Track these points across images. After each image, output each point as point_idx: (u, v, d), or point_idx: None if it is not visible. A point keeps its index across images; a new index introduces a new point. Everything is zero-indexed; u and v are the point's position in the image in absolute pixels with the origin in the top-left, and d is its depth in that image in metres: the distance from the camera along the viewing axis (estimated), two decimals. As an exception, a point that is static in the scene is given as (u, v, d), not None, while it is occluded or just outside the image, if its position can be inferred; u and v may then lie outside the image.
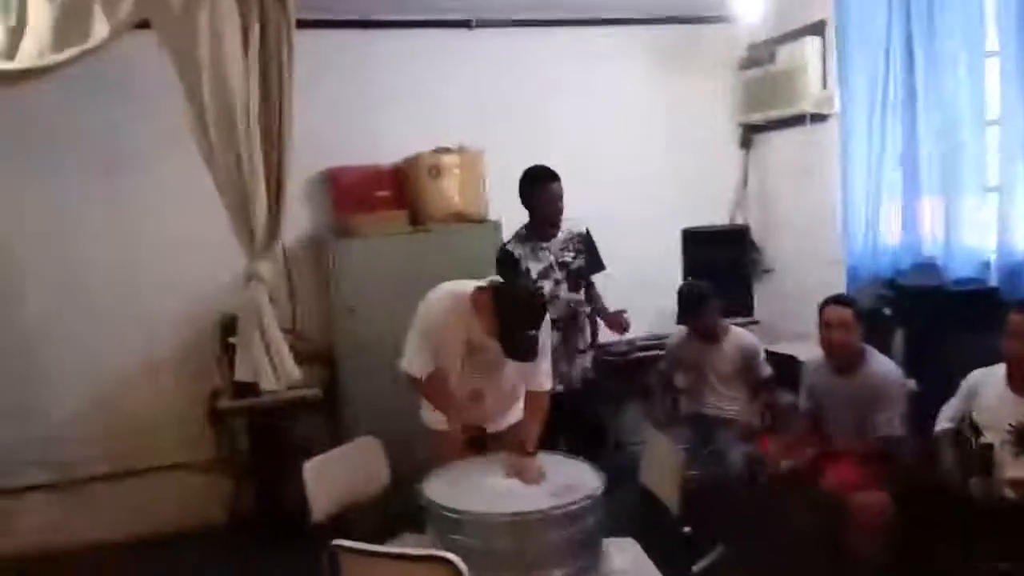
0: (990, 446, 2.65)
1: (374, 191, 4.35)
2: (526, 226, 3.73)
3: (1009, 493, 2.56)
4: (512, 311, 2.62)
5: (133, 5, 2.66)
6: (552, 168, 3.66)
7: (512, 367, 2.82)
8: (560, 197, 3.63)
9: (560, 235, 3.71)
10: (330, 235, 4.31)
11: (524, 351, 2.63)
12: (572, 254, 3.72)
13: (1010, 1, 3.28)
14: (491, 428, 2.96)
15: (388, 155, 4.43)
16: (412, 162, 4.28)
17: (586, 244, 3.78)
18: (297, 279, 4.30)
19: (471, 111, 4.60)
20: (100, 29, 2.63)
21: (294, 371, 2.95)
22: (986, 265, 3.55)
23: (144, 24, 2.81)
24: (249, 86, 2.81)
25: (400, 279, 4.01)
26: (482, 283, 2.79)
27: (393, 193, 4.36)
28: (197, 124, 2.84)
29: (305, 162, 4.00)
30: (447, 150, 4.25)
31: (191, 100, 2.83)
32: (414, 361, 2.84)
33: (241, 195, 2.86)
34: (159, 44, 2.81)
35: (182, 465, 4.18)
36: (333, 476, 2.85)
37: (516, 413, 2.98)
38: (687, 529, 2.63)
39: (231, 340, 3.76)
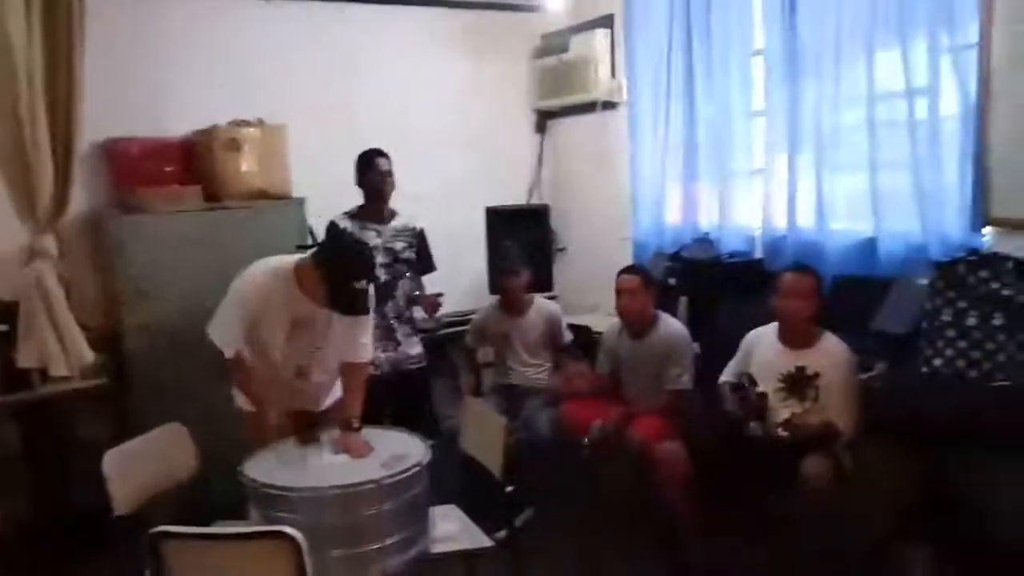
0: (764, 394, 3.02)
1: (162, 164, 4.04)
2: (359, 206, 3.75)
3: (782, 432, 2.93)
4: (340, 264, 2.57)
5: None
6: (383, 150, 3.74)
7: (335, 341, 2.77)
8: (388, 172, 3.72)
9: (394, 223, 3.76)
10: (111, 210, 3.94)
11: (356, 304, 2.58)
12: (403, 243, 3.77)
13: (774, 5, 3.71)
14: (314, 407, 2.90)
15: (177, 127, 4.15)
16: (206, 135, 4.02)
17: (419, 241, 3.85)
18: (70, 258, 3.89)
19: (271, 85, 4.41)
20: None
21: (87, 354, 2.72)
22: (752, 240, 4.02)
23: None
24: (31, 47, 2.53)
25: (196, 258, 3.79)
26: (304, 256, 2.71)
27: (183, 167, 4.08)
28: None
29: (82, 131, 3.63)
30: (246, 123, 4.05)
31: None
32: (226, 335, 2.69)
33: (23, 164, 2.57)
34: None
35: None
36: (136, 466, 2.65)
37: (339, 390, 2.94)
38: (510, 488, 2.74)
39: (-1, 328, 3.37)
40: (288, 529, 1.97)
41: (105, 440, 2.85)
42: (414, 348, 3.83)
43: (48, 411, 3.60)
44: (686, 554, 3.14)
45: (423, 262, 3.88)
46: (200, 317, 2.79)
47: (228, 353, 2.69)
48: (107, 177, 4.06)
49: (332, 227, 3.68)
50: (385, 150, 3.79)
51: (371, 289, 2.61)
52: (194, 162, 4.09)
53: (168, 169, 4.05)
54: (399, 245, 3.74)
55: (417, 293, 3.84)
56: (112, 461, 2.57)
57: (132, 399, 3.74)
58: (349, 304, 2.59)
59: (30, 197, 2.59)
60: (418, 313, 3.87)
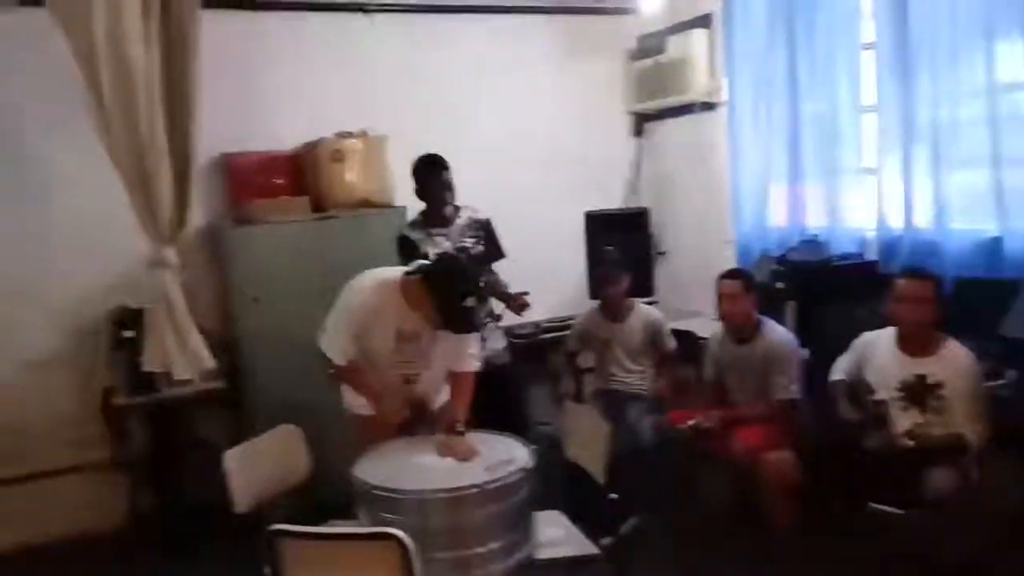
0: (883, 402, 2.88)
1: (272, 177, 4.22)
2: (422, 212, 3.74)
3: (907, 442, 2.79)
4: (446, 286, 2.61)
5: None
6: (442, 156, 3.68)
7: (441, 351, 2.82)
8: (447, 185, 3.65)
9: (459, 221, 3.73)
10: (227, 222, 4.14)
11: (467, 322, 2.64)
12: (472, 239, 3.74)
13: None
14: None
15: (286, 141, 4.31)
16: (313, 147, 4.18)
17: (486, 232, 3.81)
18: (190, 267, 4.11)
19: (373, 97, 4.53)
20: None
21: (207, 359, 2.86)
22: (865, 241, 3.85)
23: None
24: (151, 67, 2.68)
25: (305, 266, 3.94)
26: (408, 269, 2.77)
27: (292, 179, 4.25)
28: (95, 106, 2.69)
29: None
30: (349, 135, 4.18)
31: (88, 79, 2.68)
32: (335, 347, 2.78)
33: (145, 180, 2.74)
34: (52, 19, 2.63)
35: (76, 468, 3.90)
36: (254, 466, 2.76)
37: (445, 394, 2.99)
38: (613, 496, 2.71)
39: (126, 334, 3.59)
40: (396, 531, 2.01)
41: (224, 440, 2.99)
42: (498, 343, 3.80)
43: (172, 412, 3.82)
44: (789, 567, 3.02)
45: (492, 251, 3.81)
46: (308, 322, 2.90)
47: (339, 363, 2.77)
48: (223, 190, 4.26)
49: (403, 242, 3.65)
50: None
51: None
52: (302, 174, 4.25)
53: (278, 181, 4.23)
54: (468, 242, 3.71)
55: (503, 289, 3.79)
56: (233, 460, 2.69)
57: (248, 401, 3.92)
58: (460, 323, 2.65)
59: (152, 212, 2.75)
60: (499, 308, 3.83)
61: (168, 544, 3.64)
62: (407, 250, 3.63)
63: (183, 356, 2.73)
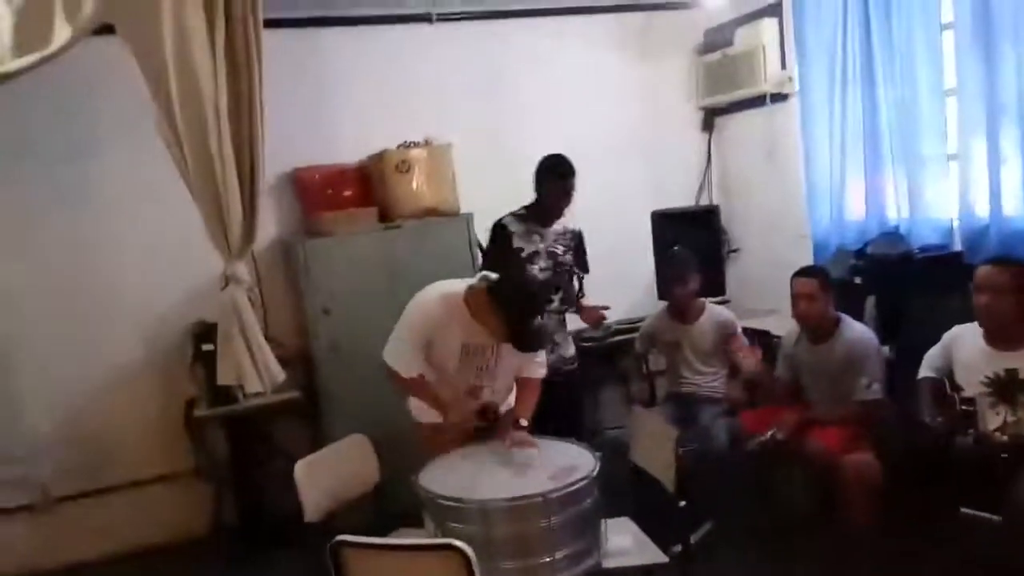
0: (972, 400, 2.73)
1: (341, 189, 4.30)
2: (527, 207, 3.74)
3: (999, 437, 2.63)
4: (515, 305, 2.60)
5: (95, 7, 2.60)
6: (571, 161, 3.65)
7: (507, 363, 2.82)
8: (571, 193, 3.64)
9: (556, 226, 3.74)
10: (298, 236, 4.25)
11: (535, 342, 2.66)
12: (563, 248, 3.75)
13: (964, -27, 3.37)
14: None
15: (352, 153, 4.39)
16: (378, 158, 4.23)
17: (577, 242, 3.81)
18: (266, 281, 4.24)
19: (436, 105, 4.56)
20: (61, 33, 2.57)
21: (279, 372, 2.92)
22: (949, 231, 3.66)
23: (106, 28, 2.76)
24: (217, 85, 2.76)
25: (374, 276, 4.00)
26: (471, 282, 2.78)
27: (361, 191, 4.32)
28: (166, 125, 2.79)
29: (268, 163, 3.95)
30: (414, 144, 4.22)
31: (159, 102, 2.78)
32: (401, 361, 2.81)
33: (215, 196, 2.81)
34: (124, 46, 2.75)
35: (160, 478, 4.08)
36: (324, 475, 2.82)
37: (510, 402, 2.98)
38: (683, 503, 2.65)
39: (205, 347, 3.72)
40: (458, 543, 2.01)
41: (301, 448, 3.07)
42: (569, 350, 3.78)
43: (251, 423, 3.95)
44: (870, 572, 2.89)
45: (579, 263, 3.81)
46: (379, 332, 2.92)
47: (404, 375, 2.79)
48: (295, 204, 4.38)
49: (499, 231, 3.68)
50: (536, 160, 3.70)
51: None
52: (369, 185, 4.32)
53: (347, 193, 4.30)
54: (560, 248, 3.72)
55: (579, 296, 3.78)
56: (302, 470, 2.74)
57: (323, 411, 4.02)
58: (529, 343, 2.65)
59: (222, 227, 2.82)
60: (574, 320, 3.83)
61: (247, 552, 3.75)
62: (500, 239, 3.67)
63: (255, 370, 2.81)
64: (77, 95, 3.87)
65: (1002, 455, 2.60)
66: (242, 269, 2.92)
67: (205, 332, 3.70)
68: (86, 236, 4.02)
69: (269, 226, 4.31)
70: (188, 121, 2.79)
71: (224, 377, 2.88)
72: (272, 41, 3.39)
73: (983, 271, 2.83)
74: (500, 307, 2.61)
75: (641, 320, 4.29)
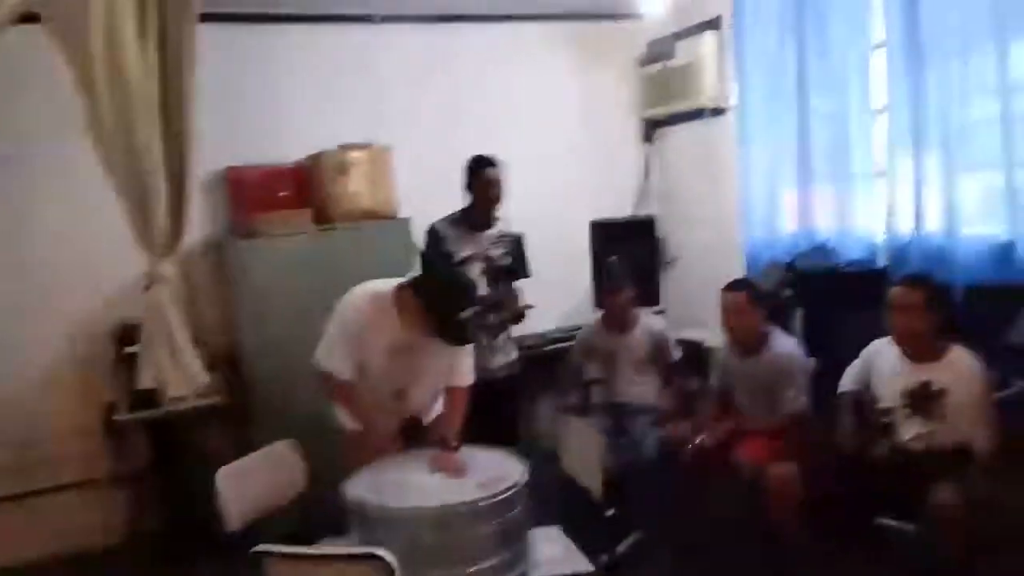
0: (889, 411, 2.81)
1: (276, 190, 4.20)
2: (462, 210, 3.73)
3: (915, 445, 2.71)
4: (441, 297, 2.59)
5: (18, -4, 2.50)
6: (498, 158, 3.70)
7: (435, 365, 2.79)
8: (497, 183, 3.66)
9: (493, 230, 3.73)
10: (230, 236, 4.15)
11: (461, 335, 2.62)
12: (501, 251, 3.73)
13: (892, -3, 3.48)
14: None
15: (289, 153, 4.30)
16: (317, 159, 4.17)
17: (516, 247, 3.80)
18: (194, 282, 4.12)
19: (377, 107, 4.53)
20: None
21: (202, 376, 2.84)
22: (874, 247, 3.76)
23: (30, 16, 2.66)
24: (147, 77, 2.69)
25: (308, 279, 3.92)
26: (402, 280, 2.75)
27: (297, 192, 4.23)
28: (92, 119, 2.70)
29: (201, 161, 3.85)
30: (353, 146, 4.17)
31: (86, 95, 2.69)
32: (332, 361, 2.76)
33: (141, 193, 2.74)
34: (50, 36, 2.65)
35: (81, 483, 3.93)
36: (247, 483, 2.74)
37: (438, 407, 2.95)
38: (610, 512, 2.66)
39: (127, 350, 3.60)
40: (380, 551, 1.97)
41: (227, 454, 2.98)
42: (511, 354, 3.78)
43: (175, 427, 3.82)
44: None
45: (517, 268, 3.81)
46: (312, 336, 2.86)
47: (341, 377, 2.74)
48: (227, 204, 4.27)
49: (430, 234, 3.68)
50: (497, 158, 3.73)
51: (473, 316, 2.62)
52: (306, 186, 4.24)
53: (282, 194, 4.21)
54: (496, 252, 3.71)
55: (513, 303, 3.77)
56: (224, 477, 2.66)
57: (252, 416, 3.91)
58: (455, 336, 2.62)
59: (148, 225, 2.74)
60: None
61: (168, 562, 3.64)
62: (431, 242, 3.65)
63: (177, 373, 2.72)
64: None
65: (916, 464, 2.68)
66: (167, 269, 2.85)
67: (128, 334, 3.58)
68: (7, 234, 3.86)
69: (199, 225, 4.18)
70: (116, 115, 2.72)
71: (145, 380, 2.79)
72: (211, 35, 3.33)
73: (895, 291, 2.92)
74: (425, 299, 2.59)
75: (578, 328, 4.31)
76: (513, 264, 3.78)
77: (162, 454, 3.86)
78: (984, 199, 3.32)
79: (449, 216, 3.74)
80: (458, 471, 2.59)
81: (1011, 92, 3.11)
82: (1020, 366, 2.84)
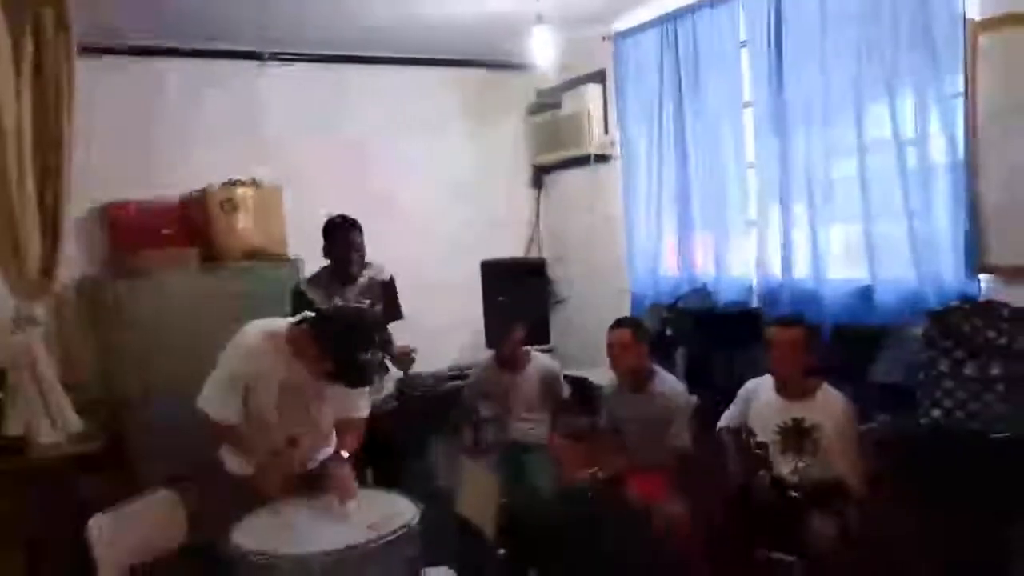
0: (765, 444, 2.96)
1: (159, 227, 4.09)
2: (324, 268, 3.63)
3: (791, 479, 2.86)
4: (345, 337, 2.52)
5: None
6: (352, 217, 3.60)
7: (329, 405, 2.75)
8: (357, 245, 3.57)
9: (361, 280, 3.64)
10: (108, 275, 3.97)
11: (365, 375, 2.57)
12: (368, 301, 3.66)
13: (761, 58, 3.75)
14: (306, 466, 2.86)
15: (174, 191, 4.19)
16: (201, 195, 4.08)
17: (387, 291, 3.72)
18: (68, 324, 3.92)
19: (267, 145, 4.49)
20: None
21: (75, 420, 2.69)
22: (749, 289, 4.00)
23: None
24: (21, 110, 2.57)
25: (193, 319, 3.79)
26: (295, 320, 2.69)
27: (180, 229, 4.13)
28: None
29: (76, 196, 3.69)
30: (241, 183, 4.10)
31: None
32: (216, 404, 2.65)
33: (10, 230, 2.59)
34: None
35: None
36: (123, 533, 2.60)
37: (328, 449, 2.90)
38: (501, 551, 2.68)
39: (-10, 398, 3.36)
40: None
41: (104, 506, 2.81)
42: (388, 387, 3.77)
43: (43, 477, 3.56)
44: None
45: (389, 311, 3.70)
46: (198, 377, 2.75)
47: (225, 421, 2.65)
48: (106, 241, 4.10)
49: (297, 298, 3.52)
50: (368, 208, 3.70)
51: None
52: (191, 224, 4.13)
53: (165, 232, 4.09)
54: (365, 303, 3.59)
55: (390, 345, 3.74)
56: (97, 527, 2.53)
57: (130, 463, 3.71)
58: (355, 377, 2.57)
59: (18, 264, 2.60)
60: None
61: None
62: (301, 307, 3.52)
63: (47, 419, 2.57)
64: None
65: (793, 494, 2.83)
66: (38, 310, 2.70)
67: (-10, 379, 3.34)
68: None
69: (74, 264, 3.98)
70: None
71: (13, 427, 2.62)
72: (94, 68, 3.22)
73: (773, 330, 3.10)
74: (325, 341, 2.52)
75: (471, 367, 4.34)
76: (385, 307, 3.68)
77: (29, 507, 3.58)
78: (846, 247, 3.60)
79: (312, 276, 3.65)
80: (350, 489, 2.56)
81: (867, 150, 3.40)
82: (882, 402, 3.05)
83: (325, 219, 3.60)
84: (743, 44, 3.91)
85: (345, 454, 2.69)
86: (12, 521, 3.56)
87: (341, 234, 3.56)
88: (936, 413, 2.78)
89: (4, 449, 3.29)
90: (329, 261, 3.61)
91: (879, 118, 3.34)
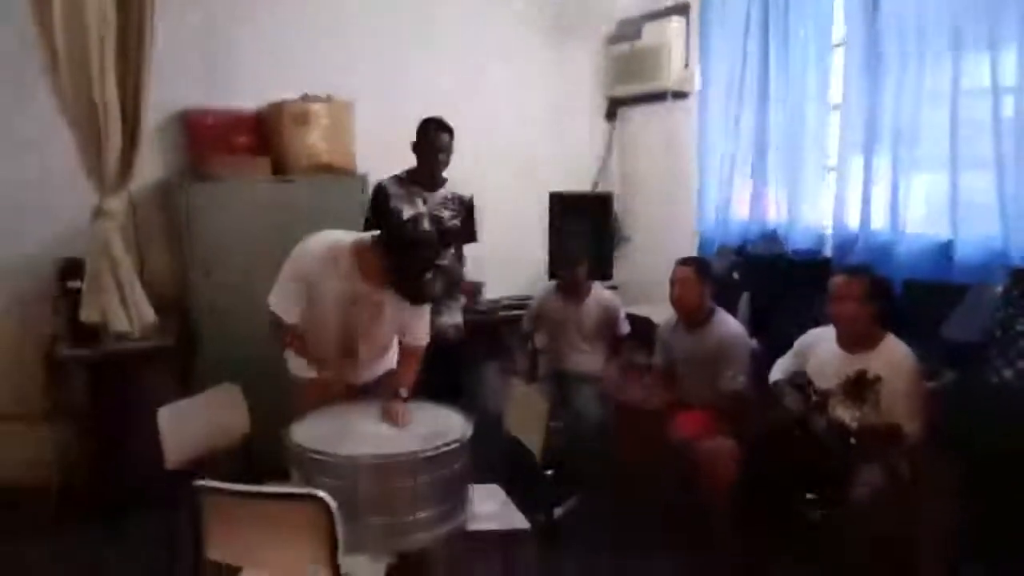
0: (826, 393, 2.91)
1: (235, 136, 4.14)
2: (409, 170, 3.71)
3: (849, 423, 2.82)
4: (405, 254, 2.55)
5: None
6: (447, 122, 3.69)
7: (389, 321, 2.80)
8: (443, 149, 3.66)
9: (442, 191, 3.71)
10: (184, 179, 4.06)
11: (423, 293, 2.61)
12: (449, 213, 3.72)
13: (855, -3, 3.56)
14: (363, 379, 2.93)
15: (248, 101, 4.23)
16: (277, 108, 4.11)
17: (466, 210, 3.79)
18: (146, 226, 4.04)
19: (343, 60, 4.46)
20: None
21: (149, 314, 2.80)
22: (822, 238, 3.87)
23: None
24: (106, 12, 2.61)
25: (261, 227, 3.88)
26: (363, 236, 2.73)
27: (255, 140, 4.18)
28: (45, 48, 2.61)
29: (158, 100, 3.77)
30: (315, 98, 4.12)
31: (40, 26, 2.60)
32: (282, 306, 2.73)
33: (93, 127, 2.67)
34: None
35: (13, 417, 3.83)
36: (189, 423, 2.74)
37: (386, 363, 2.96)
38: (549, 472, 2.71)
39: (71, 284, 3.51)
40: (321, 493, 1.99)
41: (172, 397, 2.95)
42: (455, 318, 3.80)
43: (118, 367, 3.74)
44: (721, 554, 3.05)
45: (466, 231, 3.80)
46: (261, 284, 2.83)
47: (287, 320, 2.73)
48: (184, 147, 4.18)
49: (376, 192, 3.67)
50: (450, 123, 3.73)
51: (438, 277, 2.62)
52: (265, 135, 4.18)
53: (241, 140, 4.15)
54: (445, 214, 3.71)
55: (460, 273, 3.78)
56: (166, 416, 2.66)
57: (199, 361, 3.86)
58: (416, 293, 2.61)
59: (98, 159, 2.68)
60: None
61: (102, 498, 3.59)
62: (377, 199, 3.63)
63: (123, 308, 2.67)
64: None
65: (851, 440, 2.78)
66: (116, 204, 2.79)
67: (72, 269, 3.49)
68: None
69: (154, 168, 4.09)
70: (70, 44, 2.64)
71: (89, 314, 2.74)
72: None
73: (837, 280, 3.01)
74: (389, 256, 2.56)
75: (530, 298, 4.35)
76: (462, 226, 3.77)
77: (102, 394, 3.78)
78: (928, 199, 3.44)
79: (397, 175, 3.72)
80: (404, 419, 2.61)
81: (960, 98, 3.21)
82: (952, 360, 2.95)
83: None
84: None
85: (404, 392, 2.74)
86: (79, 407, 3.79)
87: (433, 131, 3.65)
88: (1008, 374, 2.68)
89: (80, 335, 3.48)
90: (417, 160, 3.68)
91: (977, 63, 3.14)
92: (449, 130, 3.69)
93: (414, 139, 3.70)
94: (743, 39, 4.19)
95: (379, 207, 3.64)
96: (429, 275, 2.57)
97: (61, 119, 2.82)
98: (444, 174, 3.75)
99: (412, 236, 2.67)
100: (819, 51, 3.84)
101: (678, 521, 3.27)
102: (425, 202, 3.66)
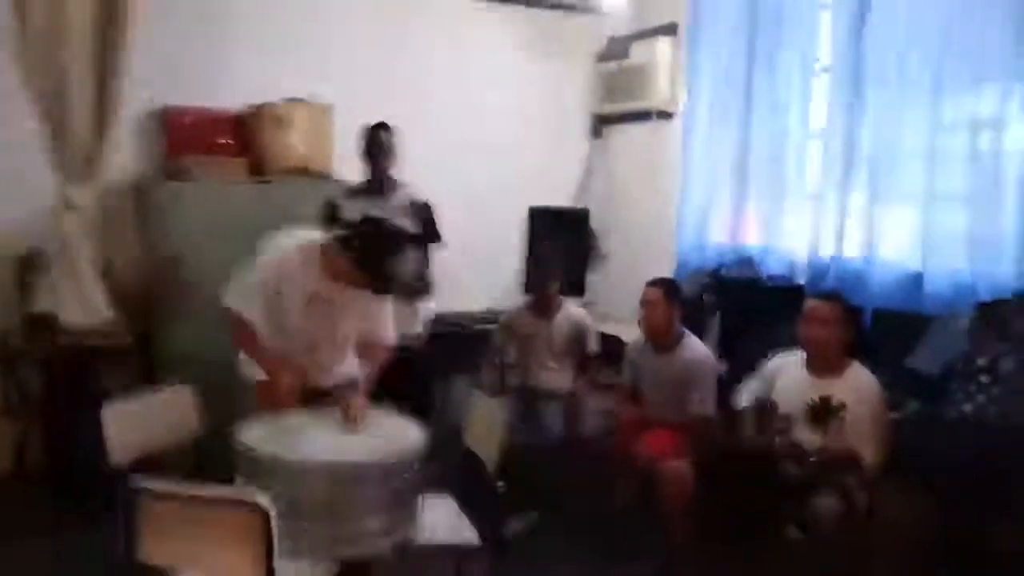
0: (788, 416, 2.87)
1: (215, 135, 4.12)
2: (362, 181, 3.68)
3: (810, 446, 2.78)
4: (372, 243, 2.52)
5: None
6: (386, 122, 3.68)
7: (353, 322, 2.76)
8: (386, 146, 3.65)
9: (400, 198, 3.67)
10: (160, 176, 4.02)
11: (387, 282, 2.57)
12: (409, 221, 3.66)
13: (842, 24, 3.56)
14: (323, 382, 2.88)
15: (229, 101, 4.19)
16: (258, 110, 4.09)
17: (424, 213, 3.74)
18: (116, 221, 3.98)
19: (325, 63, 4.46)
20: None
21: (103, 308, 2.74)
22: (796, 265, 3.85)
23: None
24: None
25: (234, 229, 3.78)
26: (330, 236, 2.69)
27: (233, 139, 4.15)
28: (17, 28, 2.58)
29: (136, 97, 3.74)
30: (296, 101, 4.10)
31: (16, 11, 2.56)
32: (243, 303, 2.67)
33: (61, 113, 2.62)
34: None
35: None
36: (135, 421, 2.67)
37: (347, 366, 2.91)
38: (501, 484, 2.67)
39: (28, 278, 3.43)
40: (258, 496, 1.94)
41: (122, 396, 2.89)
42: (415, 328, 3.75)
43: (70, 361, 3.66)
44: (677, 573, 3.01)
45: (428, 234, 3.75)
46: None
47: (246, 316, 2.68)
48: (161, 144, 4.14)
49: (325, 207, 3.62)
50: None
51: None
52: (243, 136, 4.15)
53: (219, 140, 4.13)
54: (404, 221, 3.64)
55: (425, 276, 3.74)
56: (112, 413, 2.59)
57: (155, 359, 3.80)
58: (380, 282, 2.57)
59: (64, 145, 2.63)
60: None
61: (49, 496, 3.52)
62: (328, 215, 3.58)
63: (75, 299, 2.62)
64: None
65: (810, 459, 2.75)
66: (81, 195, 2.74)
67: (34, 262, 3.43)
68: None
69: (128, 164, 4.06)
70: (44, 28, 2.60)
71: (41, 303, 2.68)
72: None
73: (812, 303, 3.00)
74: (354, 248, 2.53)
75: (503, 312, 4.31)
76: (423, 230, 3.71)
77: (54, 388, 3.70)
78: (902, 230, 3.42)
79: (348, 187, 3.69)
80: (361, 417, 2.56)
81: (938, 130, 3.21)
82: (915, 390, 2.93)
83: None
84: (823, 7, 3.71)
85: (364, 386, 2.69)
86: (31, 402, 3.71)
87: (372, 133, 3.64)
88: (967, 407, 2.66)
89: (34, 327, 3.41)
90: (367, 169, 3.66)
91: (957, 98, 3.15)
92: (389, 128, 3.68)
93: (360, 145, 3.68)
94: (729, 62, 4.19)
95: (327, 223, 3.54)
96: (393, 260, 2.54)
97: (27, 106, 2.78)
98: (400, 178, 3.71)
99: (374, 224, 2.63)
100: (803, 77, 3.84)
101: (633, 539, 3.23)
102: (381, 210, 3.58)
